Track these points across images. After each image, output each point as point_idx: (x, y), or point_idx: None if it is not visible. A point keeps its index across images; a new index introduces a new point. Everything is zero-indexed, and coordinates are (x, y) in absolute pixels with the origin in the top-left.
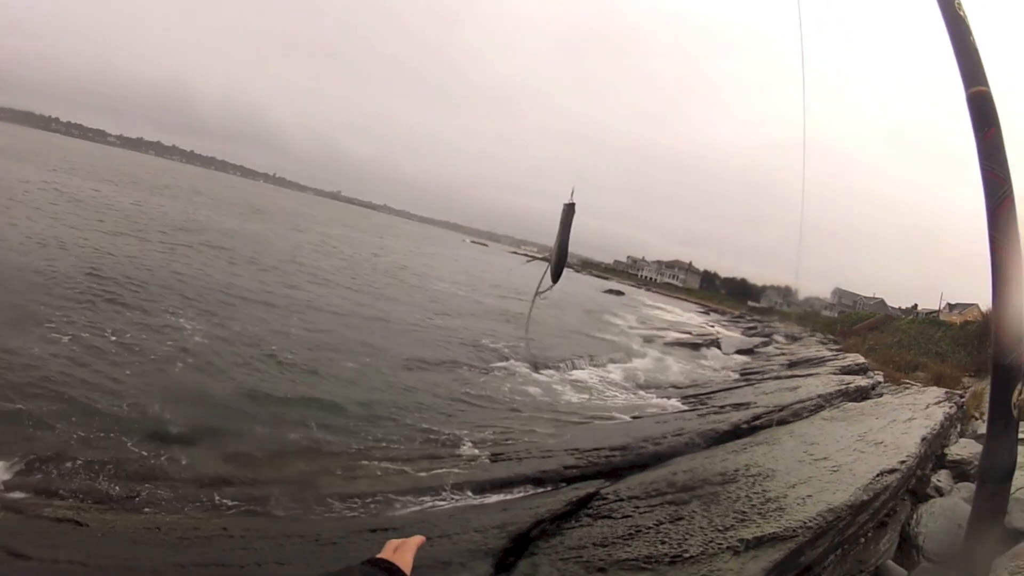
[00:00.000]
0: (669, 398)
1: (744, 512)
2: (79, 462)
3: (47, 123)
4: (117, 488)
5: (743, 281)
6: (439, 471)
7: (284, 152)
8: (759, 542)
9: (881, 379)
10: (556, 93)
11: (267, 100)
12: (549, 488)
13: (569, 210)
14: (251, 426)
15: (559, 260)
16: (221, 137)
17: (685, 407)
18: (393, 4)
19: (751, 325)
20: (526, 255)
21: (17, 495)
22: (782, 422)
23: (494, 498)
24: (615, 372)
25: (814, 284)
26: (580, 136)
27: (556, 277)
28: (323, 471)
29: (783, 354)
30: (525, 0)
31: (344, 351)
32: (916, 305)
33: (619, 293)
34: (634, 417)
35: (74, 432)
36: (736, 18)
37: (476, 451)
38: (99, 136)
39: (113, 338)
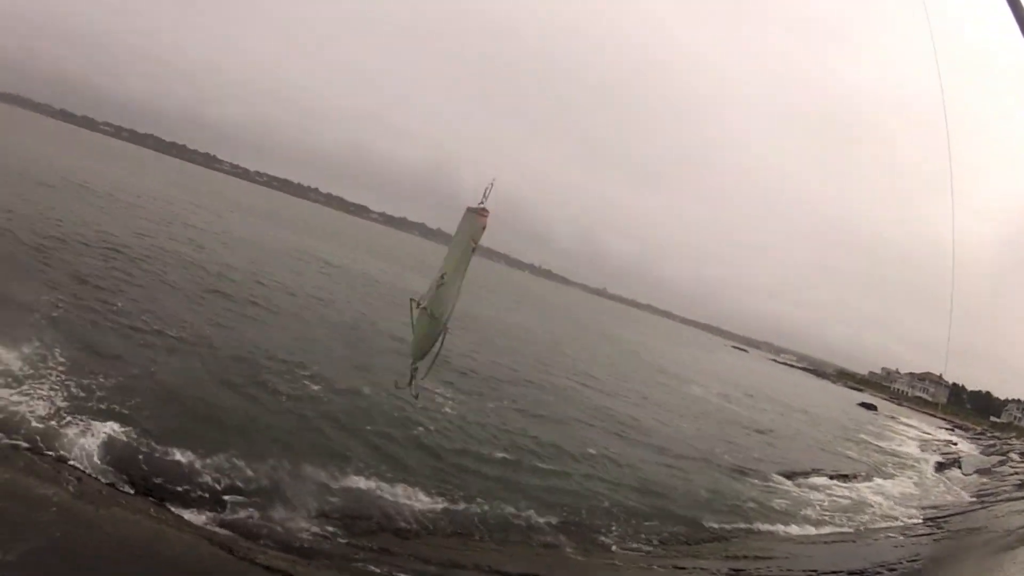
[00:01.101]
0: (908, 519)
1: None
2: None
3: (305, 192)
4: None
5: (987, 395)
6: None
7: (546, 242)
8: None
9: None
10: (801, 187)
11: (525, 189)
12: None
13: (472, 221)
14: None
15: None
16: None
17: (922, 531)
18: (645, 98)
19: (990, 443)
20: (784, 363)
21: None
22: (1008, 548)
23: None
24: (857, 490)
25: None
26: (827, 231)
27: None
28: None
29: (1016, 473)
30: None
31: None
32: None
33: (872, 407)
34: (874, 540)
35: None
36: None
37: (716, 564)
38: (361, 211)
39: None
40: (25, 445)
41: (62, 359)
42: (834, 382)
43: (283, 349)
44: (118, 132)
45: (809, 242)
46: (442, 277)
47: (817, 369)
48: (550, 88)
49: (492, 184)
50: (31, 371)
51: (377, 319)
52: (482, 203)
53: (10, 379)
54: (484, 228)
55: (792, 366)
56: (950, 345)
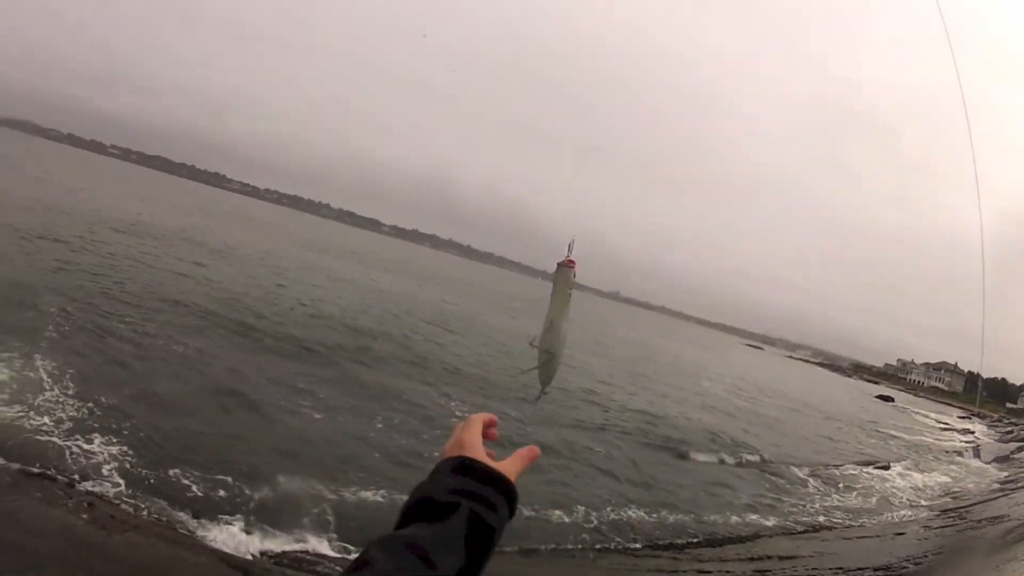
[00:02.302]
0: (932, 511)
1: None
2: None
3: (317, 208)
4: None
5: (1003, 381)
6: None
7: (553, 248)
8: None
9: None
10: (802, 180)
11: (526, 194)
12: None
13: (565, 273)
14: None
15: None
16: (488, 230)
17: (944, 522)
18: (642, 98)
19: (1008, 429)
20: (800, 359)
21: None
22: None
23: None
24: (878, 482)
25: None
26: (832, 225)
27: (546, 379)
28: None
29: None
30: (765, 89)
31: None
32: None
33: (889, 399)
34: (897, 533)
35: None
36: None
37: (741, 567)
38: (373, 225)
39: None
40: (36, 470)
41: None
42: (850, 375)
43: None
44: (126, 155)
45: (822, 236)
46: (551, 322)
47: (833, 363)
48: (542, 87)
49: (573, 241)
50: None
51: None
52: (568, 256)
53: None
54: (575, 275)
55: (808, 361)
56: (984, 335)
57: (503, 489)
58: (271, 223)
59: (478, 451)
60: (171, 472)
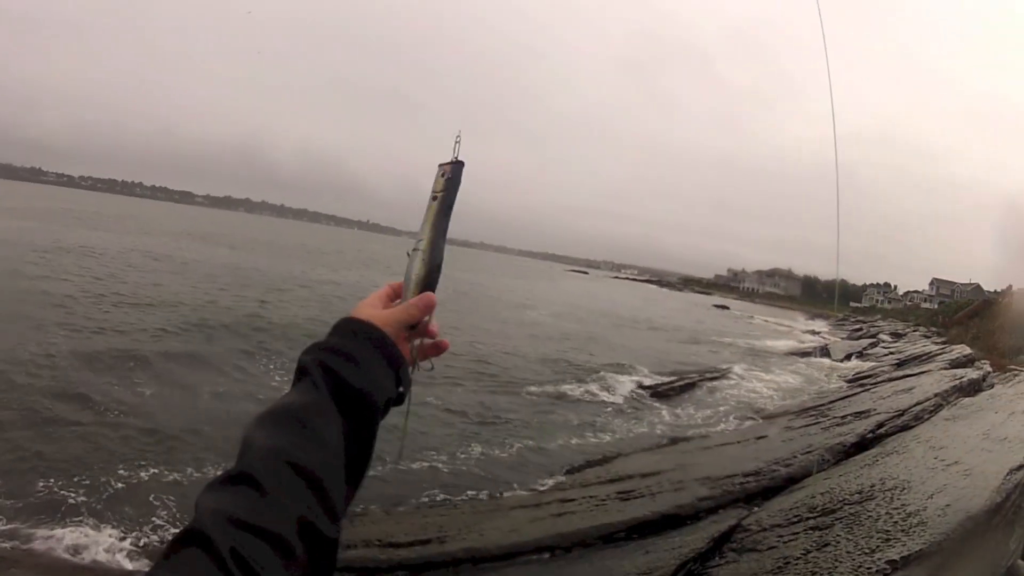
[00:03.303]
0: (790, 412)
1: (887, 531)
2: None
3: (131, 188)
4: None
5: (843, 283)
6: (571, 514)
7: (369, 197)
8: (907, 561)
9: (990, 368)
10: (632, 113)
11: (340, 151)
12: (687, 523)
13: (452, 174)
14: None
15: (432, 259)
16: (304, 189)
17: (807, 421)
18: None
19: (856, 327)
20: (627, 278)
21: None
22: (905, 427)
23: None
24: (731, 389)
25: (912, 278)
26: (658, 153)
27: (430, 284)
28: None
29: (891, 353)
30: (578, 34)
31: None
32: (1011, 286)
33: (724, 308)
34: (759, 437)
35: None
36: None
37: (604, 489)
38: (186, 198)
39: None
40: None
41: None
42: (680, 289)
43: None
44: None
45: (651, 168)
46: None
47: (661, 279)
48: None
49: (459, 137)
50: None
51: None
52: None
53: None
54: (447, 178)
55: (635, 280)
56: (839, 246)
57: (367, 337)
58: (81, 211)
59: (365, 305)
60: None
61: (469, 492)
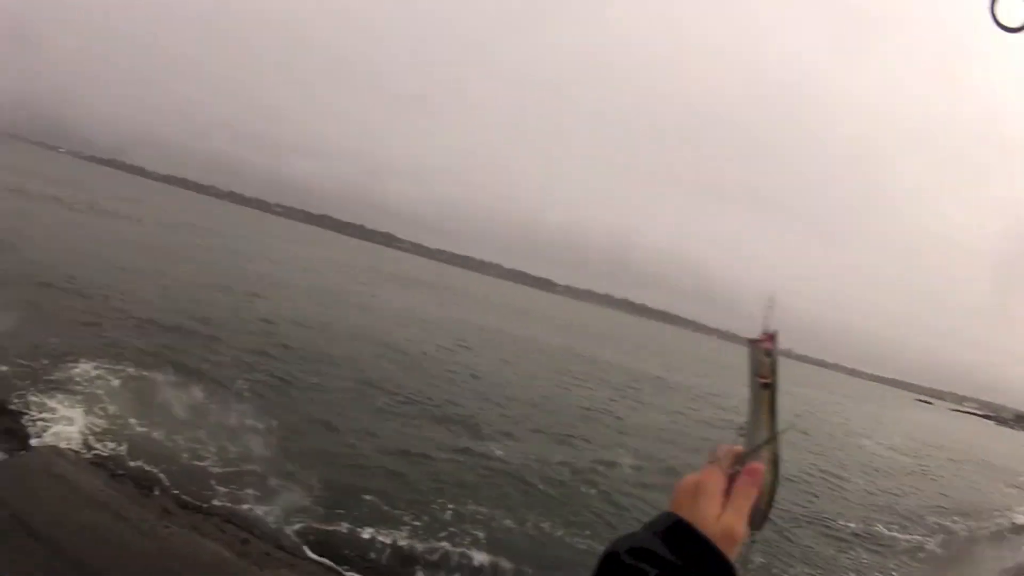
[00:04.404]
0: None
1: None
2: None
3: (487, 268)
4: None
5: None
6: None
7: (730, 308)
8: None
9: None
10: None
11: (703, 253)
12: None
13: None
14: None
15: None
16: (660, 286)
17: None
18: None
19: None
20: (967, 412)
21: None
22: None
23: None
24: None
25: None
26: None
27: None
28: None
29: None
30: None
31: None
32: None
33: None
34: None
35: None
36: None
37: None
38: (546, 285)
39: None
40: (190, 499)
41: None
42: (1011, 427)
43: None
44: (290, 213)
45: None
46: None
47: (998, 415)
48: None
49: (772, 302)
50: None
51: None
52: (764, 331)
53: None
54: (769, 355)
55: (971, 413)
56: None
57: (714, 565)
58: (464, 290)
59: (706, 506)
60: (343, 525)
61: None
